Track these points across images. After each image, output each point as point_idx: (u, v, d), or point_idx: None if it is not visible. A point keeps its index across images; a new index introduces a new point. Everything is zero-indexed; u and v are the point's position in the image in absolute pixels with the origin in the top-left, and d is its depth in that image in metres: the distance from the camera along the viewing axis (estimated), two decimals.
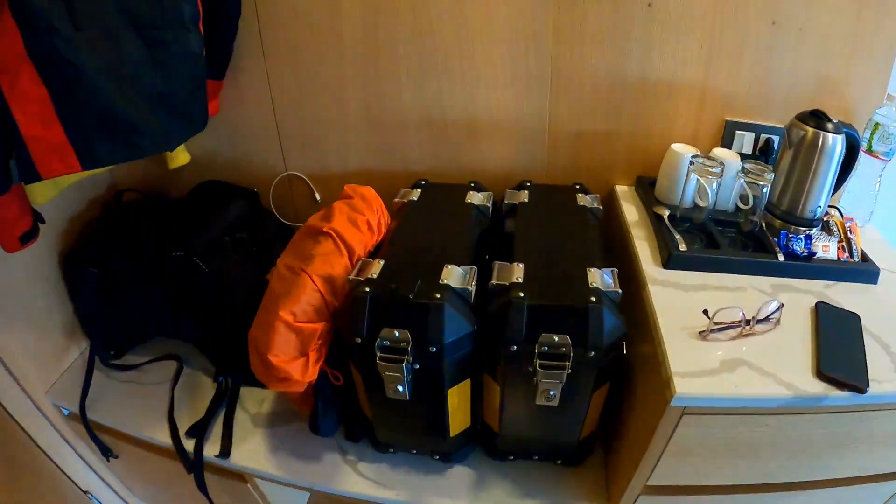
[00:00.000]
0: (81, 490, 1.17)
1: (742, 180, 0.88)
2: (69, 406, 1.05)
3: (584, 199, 0.97)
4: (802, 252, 0.84)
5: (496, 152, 1.10)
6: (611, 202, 1.09)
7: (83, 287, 1.05)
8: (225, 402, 1.02)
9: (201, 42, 0.86)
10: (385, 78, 1.04)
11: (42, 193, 0.88)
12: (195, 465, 0.95)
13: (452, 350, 0.73)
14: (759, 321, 0.72)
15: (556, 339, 0.70)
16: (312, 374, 0.78)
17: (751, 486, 0.79)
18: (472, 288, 0.76)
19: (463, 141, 1.10)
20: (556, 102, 1.03)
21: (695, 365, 0.67)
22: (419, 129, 1.10)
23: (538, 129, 1.07)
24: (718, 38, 0.94)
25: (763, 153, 1.02)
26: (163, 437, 0.98)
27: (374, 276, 0.76)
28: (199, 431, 0.97)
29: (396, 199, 1.00)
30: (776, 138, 1.01)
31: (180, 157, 1.13)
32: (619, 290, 0.75)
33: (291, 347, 0.76)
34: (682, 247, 0.85)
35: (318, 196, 1.22)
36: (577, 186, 1.02)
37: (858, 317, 0.75)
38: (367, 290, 0.73)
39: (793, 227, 0.91)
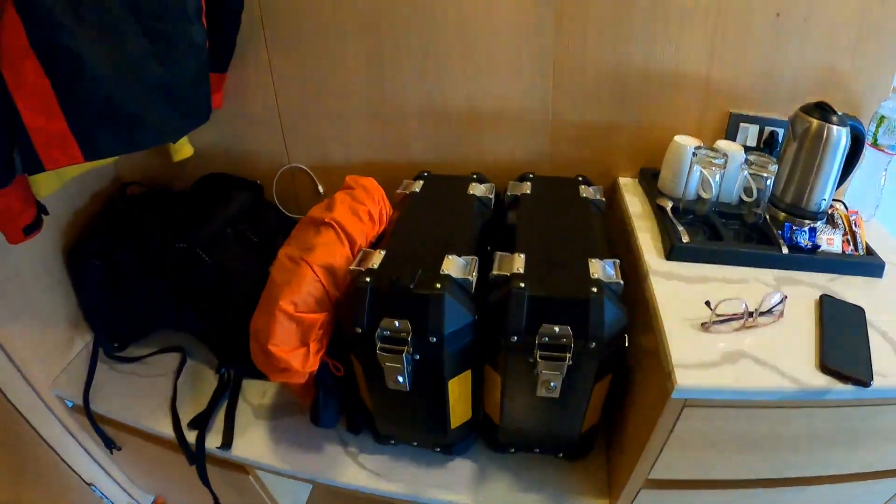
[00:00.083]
0: (85, 481, 1.18)
1: (746, 172, 0.88)
2: (73, 398, 1.06)
3: (586, 191, 0.97)
4: (807, 245, 0.83)
5: (499, 144, 1.10)
6: (614, 194, 1.09)
7: (87, 279, 1.06)
8: (227, 394, 1.03)
9: (204, 35, 0.86)
10: (387, 69, 1.04)
11: (46, 185, 0.89)
12: (197, 457, 0.96)
13: (453, 340, 0.73)
14: (762, 313, 0.71)
15: (557, 330, 0.70)
16: (313, 364, 0.78)
17: (753, 481, 0.78)
18: (473, 278, 0.75)
19: (465, 132, 1.10)
20: (558, 93, 1.03)
21: (696, 357, 0.66)
22: (422, 121, 1.09)
23: (541, 121, 1.06)
24: (722, 29, 0.94)
25: (767, 146, 1.01)
26: (165, 429, 0.99)
27: (375, 266, 0.76)
28: (201, 423, 0.98)
29: (399, 191, 1.00)
30: (780, 131, 1.00)
31: (184, 149, 1.13)
32: (621, 282, 0.74)
33: (292, 337, 0.76)
34: (685, 238, 0.84)
35: (320, 188, 1.22)
36: (580, 178, 1.01)
37: (863, 310, 0.74)
38: (368, 280, 0.73)
39: (797, 219, 0.90)
